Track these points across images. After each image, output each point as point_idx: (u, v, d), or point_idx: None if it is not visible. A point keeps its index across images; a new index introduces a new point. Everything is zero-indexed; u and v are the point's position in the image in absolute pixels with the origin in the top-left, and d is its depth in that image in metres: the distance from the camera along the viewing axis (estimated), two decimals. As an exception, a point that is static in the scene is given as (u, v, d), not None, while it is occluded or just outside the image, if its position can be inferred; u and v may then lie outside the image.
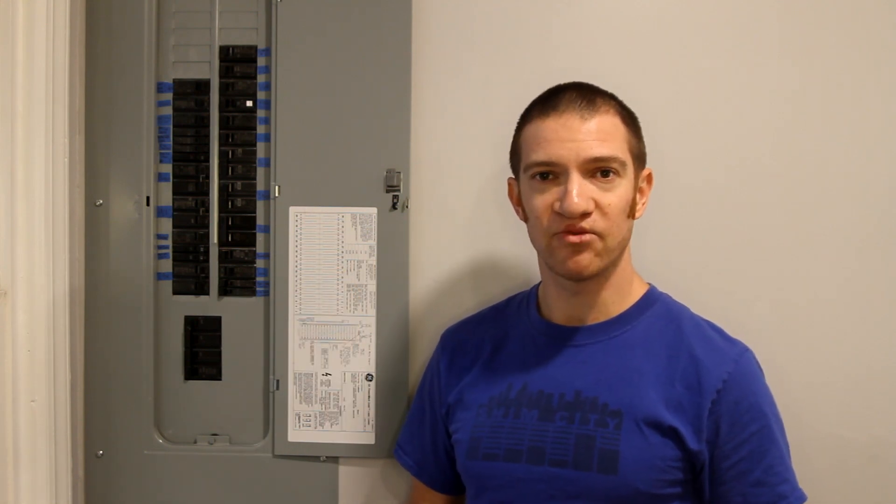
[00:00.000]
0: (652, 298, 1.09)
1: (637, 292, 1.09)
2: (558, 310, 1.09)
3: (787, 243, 1.24)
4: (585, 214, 0.98)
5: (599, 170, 0.99)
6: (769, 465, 0.98)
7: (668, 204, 1.23)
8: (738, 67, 1.24)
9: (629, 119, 1.05)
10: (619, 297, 1.07)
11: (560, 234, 1.00)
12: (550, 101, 1.03)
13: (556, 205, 0.99)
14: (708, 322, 1.08)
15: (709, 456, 0.99)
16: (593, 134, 0.99)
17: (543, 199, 1.01)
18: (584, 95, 1.02)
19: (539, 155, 1.01)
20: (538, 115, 1.03)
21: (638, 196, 1.05)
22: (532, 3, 1.27)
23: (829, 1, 1.23)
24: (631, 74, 1.23)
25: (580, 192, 0.98)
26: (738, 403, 0.99)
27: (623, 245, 1.04)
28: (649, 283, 1.11)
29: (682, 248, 1.25)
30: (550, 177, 1.01)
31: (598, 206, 0.99)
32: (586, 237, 0.99)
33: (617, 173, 1.00)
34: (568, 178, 0.99)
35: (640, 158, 1.05)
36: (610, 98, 1.04)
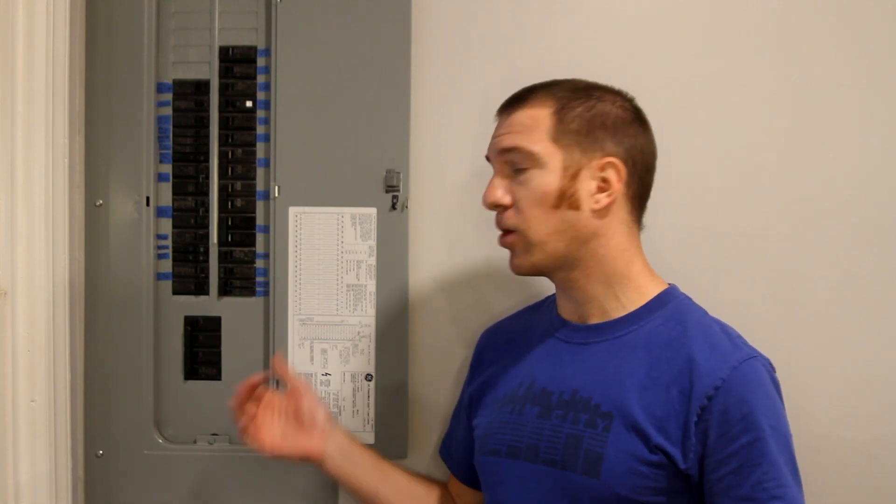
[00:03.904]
0: (666, 299, 1.03)
1: (649, 292, 1.03)
2: (564, 308, 1.09)
3: (785, 243, 1.24)
4: (504, 208, 1.02)
5: (513, 164, 1.02)
6: (758, 481, 0.90)
7: (667, 203, 1.22)
8: (740, 66, 1.24)
9: (569, 108, 1.00)
10: (614, 294, 1.03)
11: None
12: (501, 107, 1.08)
13: None
14: (723, 325, 1.01)
15: (699, 468, 0.94)
16: (507, 127, 1.02)
17: None
18: (519, 94, 1.04)
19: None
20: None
21: (600, 184, 0.99)
22: (532, 3, 1.27)
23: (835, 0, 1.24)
24: (632, 74, 1.21)
25: (494, 184, 1.03)
26: (728, 413, 0.92)
27: (566, 238, 0.99)
28: (669, 284, 1.06)
29: (679, 249, 1.24)
30: None
31: (514, 201, 1.01)
32: (507, 238, 1.03)
33: (528, 166, 1.00)
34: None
35: (582, 147, 0.99)
36: (553, 91, 1.02)
